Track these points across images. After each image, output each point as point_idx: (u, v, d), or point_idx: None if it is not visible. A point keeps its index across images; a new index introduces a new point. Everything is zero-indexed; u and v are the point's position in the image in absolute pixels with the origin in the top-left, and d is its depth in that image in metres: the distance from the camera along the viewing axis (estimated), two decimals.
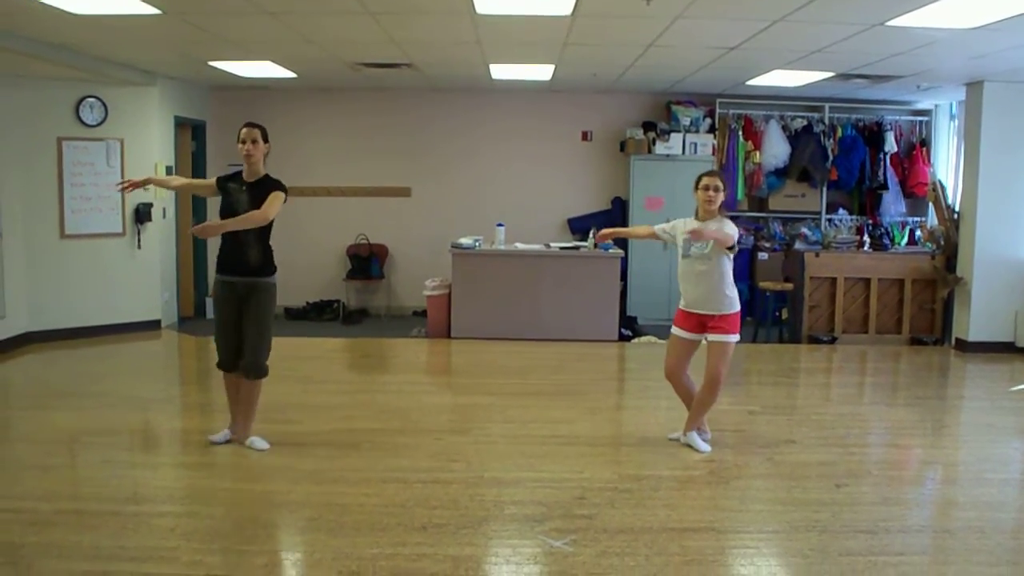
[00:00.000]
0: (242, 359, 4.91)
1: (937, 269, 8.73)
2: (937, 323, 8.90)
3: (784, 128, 9.86)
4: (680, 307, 5.15)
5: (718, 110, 9.86)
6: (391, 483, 4.49)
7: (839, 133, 9.80)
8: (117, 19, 5.83)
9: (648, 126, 9.92)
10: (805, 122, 9.86)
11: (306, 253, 10.25)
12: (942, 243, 8.80)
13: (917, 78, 7.99)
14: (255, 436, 5.06)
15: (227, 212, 4.91)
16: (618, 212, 10.14)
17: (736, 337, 5.08)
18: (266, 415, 5.65)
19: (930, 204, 9.25)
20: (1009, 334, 8.32)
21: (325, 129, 10.27)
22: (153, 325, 8.92)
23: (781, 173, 9.84)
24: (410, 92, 10.10)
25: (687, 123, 9.78)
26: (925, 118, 9.96)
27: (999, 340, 8.31)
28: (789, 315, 9.14)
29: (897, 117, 9.94)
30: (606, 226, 9.73)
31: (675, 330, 5.18)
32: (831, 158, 9.72)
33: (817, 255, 8.89)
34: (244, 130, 4.95)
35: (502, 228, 8.92)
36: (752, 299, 9.81)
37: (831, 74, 7.88)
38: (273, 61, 7.91)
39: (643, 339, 8.79)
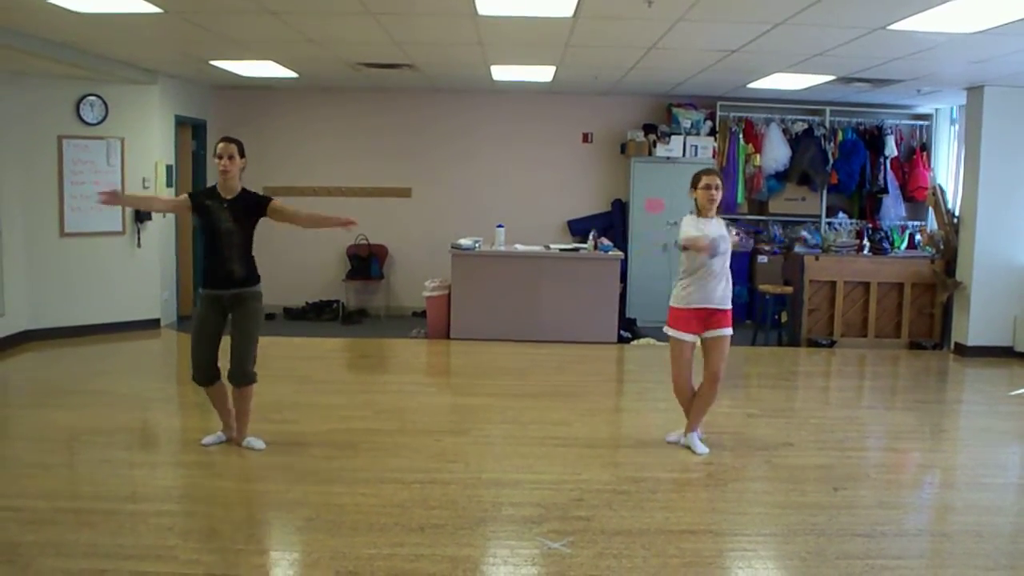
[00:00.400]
0: (229, 368, 4.91)
1: (937, 273, 8.73)
2: (936, 327, 8.90)
3: (785, 131, 9.87)
4: (685, 307, 4.99)
5: (719, 113, 9.86)
6: (389, 483, 4.49)
7: (840, 137, 9.80)
8: (118, 17, 5.83)
9: (649, 128, 9.92)
10: (806, 125, 9.87)
11: (306, 253, 10.27)
12: (942, 247, 8.80)
13: (918, 82, 7.99)
14: (251, 436, 5.06)
15: (210, 231, 4.86)
16: (618, 214, 10.14)
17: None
18: (264, 415, 5.66)
19: (930, 208, 9.25)
20: (1008, 339, 8.32)
21: (325, 129, 10.27)
22: (152, 324, 8.93)
23: (781, 176, 9.84)
24: (411, 93, 10.10)
25: (688, 126, 9.78)
26: (926, 122, 9.97)
27: (998, 344, 8.32)
28: (788, 318, 9.14)
29: (898, 121, 9.94)
30: (606, 228, 9.80)
31: (681, 335, 5.02)
32: (831, 162, 9.72)
33: (817, 259, 8.90)
34: (221, 145, 4.83)
35: (502, 229, 8.93)
36: (751, 302, 9.83)
37: (832, 78, 7.88)
38: (274, 61, 7.91)
39: (642, 341, 8.79)
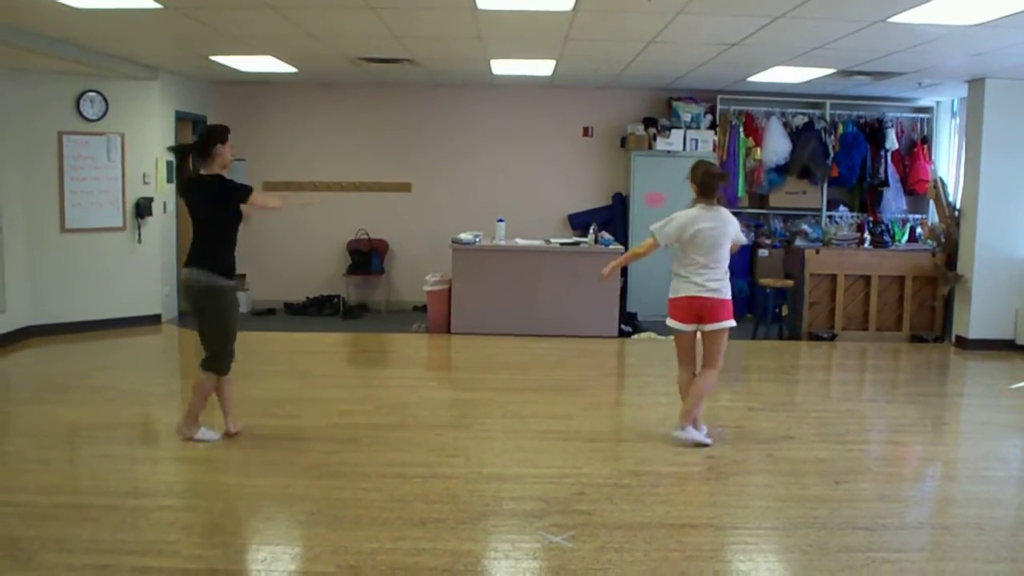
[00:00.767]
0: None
1: (938, 266, 8.72)
2: (937, 320, 8.89)
3: (785, 125, 9.85)
4: (676, 296, 5.03)
5: (719, 106, 9.85)
6: (390, 478, 4.50)
7: (840, 130, 9.79)
8: (118, 13, 5.83)
9: (649, 122, 9.91)
10: (806, 119, 9.85)
11: (306, 248, 10.28)
12: (943, 240, 8.79)
13: (919, 75, 7.98)
14: (204, 427, 5.07)
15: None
16: (619, 208, 10.13)
17: (732, 322, 5.10)
18: (266, 410, 5.68)
19: (931, 201, 9.25)
20: (1009, 332, 8.32)
21: (325, 124, 10.26)
22: (153, 319, 8.93)
23: (782, 170, 9.83)
24: (411, 87, 10.09)
25: (688, 119, 9.76)
26: (926, 115, 9.95)
27: (999, 337, 8.31)
28: (789, 312, 9.13)
29: (898, 114, 9.93)
30: (606, 222, 9.80)
31: (676, 325, 5.07)
32: (832, 155, 9.71)
33: (817, 252, 8.89)
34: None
35: (502, 223, 8.92)
36: (752, 296, 9.83)
37: (832, 71, 7.87)
38: (274, 56, 7.90)
39: (643, 335, 8.78)
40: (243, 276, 9.47)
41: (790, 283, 8.98)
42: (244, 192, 4.82)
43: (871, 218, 9.75)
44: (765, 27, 5.99)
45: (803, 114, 9.87)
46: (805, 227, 9.50)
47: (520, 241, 8.95)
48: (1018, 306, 8.29)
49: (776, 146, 9.73)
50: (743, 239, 5.38)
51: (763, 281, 9.16)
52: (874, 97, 9.69)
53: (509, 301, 8.64)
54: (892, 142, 9.77)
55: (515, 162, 10.30)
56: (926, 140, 9.91)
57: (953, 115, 9.78)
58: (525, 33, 6.64)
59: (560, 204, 10.33)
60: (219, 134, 4.90)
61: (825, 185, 9.88)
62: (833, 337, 8.81)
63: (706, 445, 5.08)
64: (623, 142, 10.05)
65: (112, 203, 8.51)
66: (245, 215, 4.90)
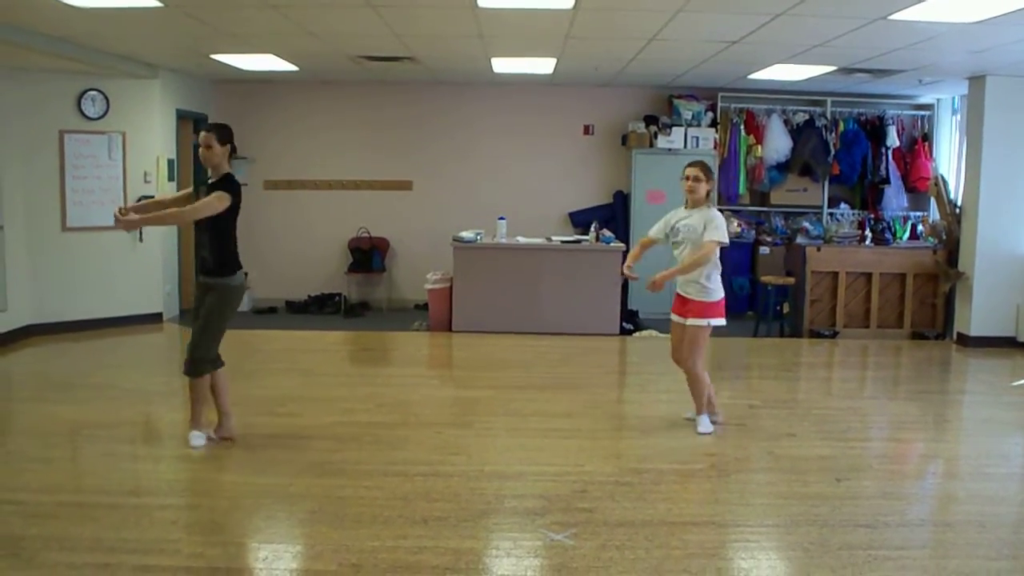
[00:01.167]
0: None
1: (939, 264, 8.72)
2: (939, 318, 8.89)
3: (786, 122, 9.85)
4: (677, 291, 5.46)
5: (720, 104, 9.84)
6: (392, 476, 4.50)
7: (841, 127, 9.78)
8: (119, 12, 5.83)
9: (650, 120, 9.90)
10: (807, 116, 9.85)
11: (307, 246, 10.28)
12: (944, 238, 8.79)
13: (919, 72, 7.97)
14: (194, 431, 4.97)
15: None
16: (620, 206, 10.13)
17: (704, 322, 5.22)
18: (268, 408, 5.69)
19: (932, 199, 9.24)
20: (1011, 329, 8.31)
21: (326, 122, 10.26)
22: (155, 318, 8.94)
23: (783, 167, 9.83)
24: (412, 85, 10.09)
25: (689, 117, 9.76)
26: (927, 112, 9.94)
27: (1000, 335, 8.30)
28: (790, 309, 9.13)
29: (899, 111, 9.92)
30: (607, 219, 9.79)
31: (672, 316, 5.52)
32: (833, 152, 9.70)
33: (819, 249, 8.89)
34: (201, 135, 4.82)
35: (503, 221, 8.92)
36: (754, 293, 9.82)
37: (833, 68, 7.86)
38: (275, 54, 7.90)
39: (644, 333, 8.78)
40: (245, 274, 9.45)
41: (791, 280, 8.97)
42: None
43: (872, 215, 9.75)
44: (765, 25, 5.98)
45: (804, 111, 9.87)
46: (806, 224, 9.49)
47: (521, 239, 8.95)
48: (1019, 303, 8.28)
49: (777, 144, 9.73)
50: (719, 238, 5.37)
51: (764, 279, 9.15)
52: (875, 95, 9.69)
53: (510, 299, 8.64)
54: (893, 139, 9.76)
55: (516, 160, 10.29)
56: (927, 137, 9.90)
57: (954, 112, 9.77)
58: (526, 31, 6.64)
59: (561, 202, 10.33)
60: (229, 133, 4.88)
61: (826, 183, 9.87)
62: (834, 334, 8.81)
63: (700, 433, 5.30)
64: (624, 140, 10.04)
65: (113, 202, 8.45)
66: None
